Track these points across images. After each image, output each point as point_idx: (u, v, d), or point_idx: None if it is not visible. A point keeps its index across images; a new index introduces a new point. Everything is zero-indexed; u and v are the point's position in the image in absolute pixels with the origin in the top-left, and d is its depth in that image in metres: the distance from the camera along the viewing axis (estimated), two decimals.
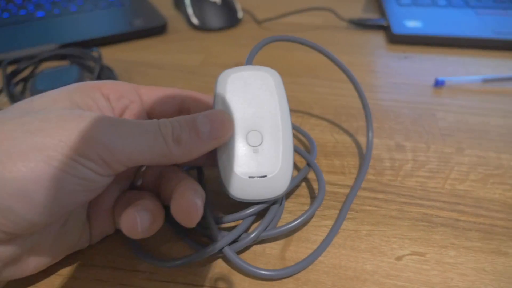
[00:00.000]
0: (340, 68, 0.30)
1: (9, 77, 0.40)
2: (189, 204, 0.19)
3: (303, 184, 0.29)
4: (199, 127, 0.21)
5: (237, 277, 0.23)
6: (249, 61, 0.26)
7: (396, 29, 0.49)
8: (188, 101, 0.25)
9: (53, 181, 0.16)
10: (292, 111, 0.37)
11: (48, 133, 0.17)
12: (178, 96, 0.25)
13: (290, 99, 0.39)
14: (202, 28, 0.54)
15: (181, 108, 0.25)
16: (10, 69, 0.41)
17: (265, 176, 0.22)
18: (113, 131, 0.18)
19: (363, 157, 0.31)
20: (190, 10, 0.55)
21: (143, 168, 0.25)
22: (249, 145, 0.23)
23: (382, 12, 0.57)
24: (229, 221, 0.24)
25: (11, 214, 0.16)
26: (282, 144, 0.23)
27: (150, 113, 0.25)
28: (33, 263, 0.20)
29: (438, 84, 0.40)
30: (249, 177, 0.22)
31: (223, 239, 0.22)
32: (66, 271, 0.23)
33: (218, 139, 0.21)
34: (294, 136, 0.34)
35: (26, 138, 0.17)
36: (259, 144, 0.23)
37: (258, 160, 0.23)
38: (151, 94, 0.24)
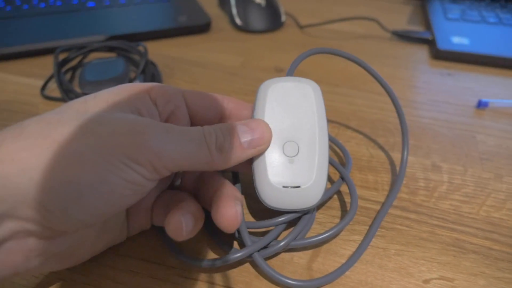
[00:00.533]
0: (378, 82, 0.30)
1: (60, 65, 0.41)
2: (232, 213, 0.20)
3: (335, 196, 0.29)
4: (240, 136, 0.21)
5: (263, 284, 0.23)
6: (291, 72, 0.27)
7: (441, 45, 0.48)
8: (230, 108, 0.26)
9: (106, 184, 0.17)
10: (328, 121, 0.37)
11: (104, 138, 0.18)
12: (220, 102, 0.26)
13: (328, 108, 0.39)
14: (245, 29, 0.55)
15: (223, 114, 0.26)
16: (61, 57, 0.43)
17: (298, 186, 0.23)
18: (162, 138, 0.19)
19: (397, 174, 0.31)
20: (234, 10, 0.56)
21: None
22: (285, 155, 0.23)
23: (427, 25, 0.56)
24: (260, 227, 0.25)
25: (65, 215, 0.17)
26: (317, 157, 0.23)
27: (193, 118, 0.25)
28: (74, 257, 0.21)
29: (481, 105, 0.39)
30: (283, 186, 0.23)
31: (254, 245, 0.23)
32: (101, 259, 0.24)
33: (257, 148, 0.22)
34: (330, 147, 0.34)
35: (82, 142, 0.17)
36: (295, 155, 0.23)
37: (293, 170, 0.23)
38: (195, 99, 0.25)
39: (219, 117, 0.26)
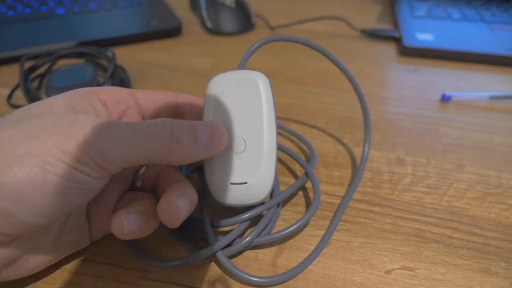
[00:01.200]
0: (341, 70, 0.29)
1: (27, 73, 0.41)
2: (170, 206, 0.20)
3: (301, 193, 0.30)
4: (198, 134, 0.21)
5: (228, 282, 0.24)
6: (242, 66, 0.26)
7: (407, 41, 0.49)
8: (183, 105, 0.26)
9: (48, 184, 0.17)
10: (297, 120, 0.38)
11: (42, 138, 0.18)
12: (173, 100, 0.26)
13: (297, 107, 0.39)
14: (216, 31, 0.55)
15: (176, 111, 0.26)
16: (28, 64, 0.43)
17: (245, 182, 0.23)
18: (104, 134, 0.19)
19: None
20: (205, 13, 0.56)
21: (142, 170, 0.26)
22: (233, 152, 0.24)
23: (395, 23, 0.57)
24: (225, 225, 0.25)
25: (9, 216, 0.17)
26: (264, 152, 0.23)
27: (146, 117, 0.26)
28: (33, 264, 0.21)
29: (445, 99, 0.40)
30: (231, 183, 0.23)
31: (217, 244, 0.23)
32: (65, 265, 0.24)
33: (213, 150, 0.22)
34: (296, 145, 0.34)
35: (22, 144, 0.17)
36: (243, 151, 0.24)
37: (240, 166, 0.23)
38: (147, 98, 0.25)
39: (173, 114, 0.26)
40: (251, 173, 0.23)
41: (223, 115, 0.24)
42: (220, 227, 0.25)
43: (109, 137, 0.19)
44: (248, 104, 0.24)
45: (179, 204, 0.20)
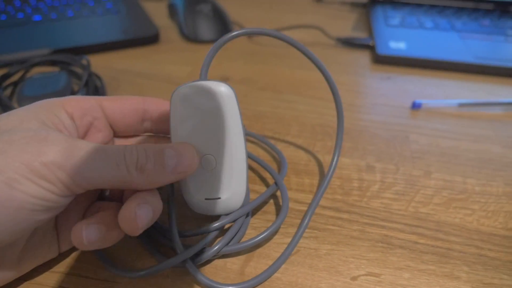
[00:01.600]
0: (315, 66, 0.28)
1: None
2: (129, 215, 0.20)
3: (272, 201, 0.30)
4: (165, 160, 0.21)
5: None
6: (203, 75, 0.25)
7: (380, 50, 0.50)
8: (150, 110, 0.26)
9: (12, 201, 0.17)
10: (270, 128, 0.38)
11: (10, 155, 0.18)
12: (141, 106, 0.26)
13: (271, 115, 0.40)
14: (194, 39, 0.56)
15: (144, 117, 0.26)
16: (1, 72, 0.43)
17: (219, 198, 0.25)
18: (73, 156, 0.19)
19: (333, 176, 0.32)
20: (182, 21, 0.57)
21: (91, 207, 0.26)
22: (204, 168, 0.24)
23: (370, 31, 0.58)
24: (193, 234, 0.25)
25: None
26: (234, 166, 0.24)
27: (114, 125, 0.26)
28: None
29: (415, 106, 0.41)
30: (206, 199, 0.25)
31: (184, 253, 0.23)
32: (32, 278, 0.24)
33: (182, 173, 0.22)
34: (269, 153, 0.35)
35: None
36: (214, 168, 0.24)
37: (212, 184, 0.24)
38: (114, 106, 0.25)
39: (140, 119, 0.26)
40: (223, 189, 0.24)
41: (190, 133, 0.24)
42: (188, 236, 0.25)
43: (78, 160, 0.19)
44: (214, 118, 0.23)
45: (138, 213, 0.20)
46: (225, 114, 0.23)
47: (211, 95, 0.23)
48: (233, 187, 0.24)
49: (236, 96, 0.24)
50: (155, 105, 0.26)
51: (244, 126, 0.25)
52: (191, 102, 0.23)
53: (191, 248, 0.24)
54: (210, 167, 0.24)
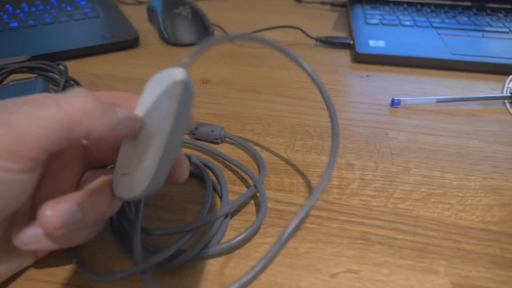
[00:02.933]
0: (294, 63, 0.29)
1: None
2: (40, 213, 0.19)
3: (252, 201, 0.30)
4: (117, 110, 0.21)
5: None
6: (184, 65, 0.23)
7: (360, 48, 0.50)
8: (119, 103, 0.25)
9: None
10: (250, 129, 0.38)
11: None
12: (106, 99, 0.24)
13: (250, 116, 0.40)
14: (174, 42, 0.55)
15: None
16: None
17: (130, 173, 0.22)
18: (13, 118, 0.17)
19: (312, 175, 0.33)
20: (161, 24, 0.56)
21: (84, 177, 0.25)
22: (136, 146, 0.23)
23: (350, 30, 0.58)
24: (164, 234, 0.25)
25: None
26: (153, 149, 0.21)
27: None
28: None
29: (394, 103, 0.42)
30: (122, 174, 0.23)
31: (144, 263, 0.23)
32: (6, 286, 0.24)
33: (127, 126, 0.21)
34: (249, 154, 0.35)
35: None
36: (142, 145, 0.22)
37: (132, 160, 0.22)
38: None
39: None
40: (135, 165, 0.22)
41: (141, 111, 0.23)
42: (158, 235, 0.25)
43: (15, 119, 0.17)
44: (157, 102, 0.22)
45: (47, 213, 0.19)
46: (164, 99, 0.22)
47: (164, 80, 0.22)
48: (142, 166, 0.21)
49: (187, 86, 0.22)
50: (122, 99, 0.25)
51: (188, 116, 0.23)
52: (151, 85, 0.23)
53: (153, 258, 0.23)
54: (141, 145, 0.22)
